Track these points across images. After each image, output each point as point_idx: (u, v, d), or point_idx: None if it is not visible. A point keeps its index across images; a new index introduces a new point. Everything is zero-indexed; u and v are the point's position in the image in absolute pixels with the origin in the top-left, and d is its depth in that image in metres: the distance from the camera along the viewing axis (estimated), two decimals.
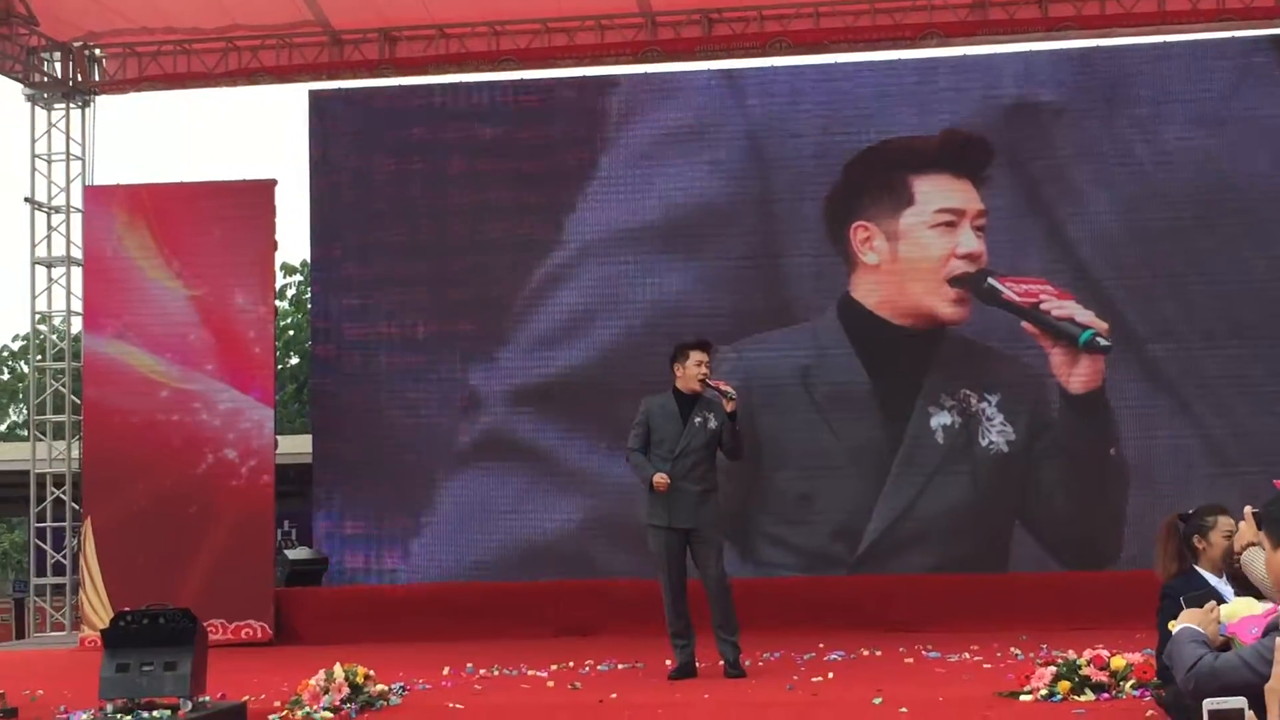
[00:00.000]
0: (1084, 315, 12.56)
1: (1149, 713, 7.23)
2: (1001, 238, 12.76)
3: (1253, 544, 5.17)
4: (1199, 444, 12.49)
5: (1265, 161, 12.64)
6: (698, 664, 9.61)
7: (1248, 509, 5.18)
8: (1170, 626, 4.66)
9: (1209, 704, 3.18)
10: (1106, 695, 7.97)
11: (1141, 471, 12.57)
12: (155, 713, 7.79)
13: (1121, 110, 12.79)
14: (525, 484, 13.26)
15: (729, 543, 12.30)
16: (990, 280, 12.58)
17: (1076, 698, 7.95)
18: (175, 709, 7.86)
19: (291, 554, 13.81)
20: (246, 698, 8.58)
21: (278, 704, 8.54)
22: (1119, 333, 12.64)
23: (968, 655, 10.20)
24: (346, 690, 8.51)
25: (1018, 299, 12.55)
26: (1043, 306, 12.57)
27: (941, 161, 12.87)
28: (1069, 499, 12.50)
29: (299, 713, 8.34)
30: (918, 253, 12.80)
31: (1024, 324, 12.64)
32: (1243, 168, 12.64)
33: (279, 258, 13.56)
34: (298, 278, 24.79)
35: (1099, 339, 12.48)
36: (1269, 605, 4.63)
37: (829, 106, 13.06)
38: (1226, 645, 4.84)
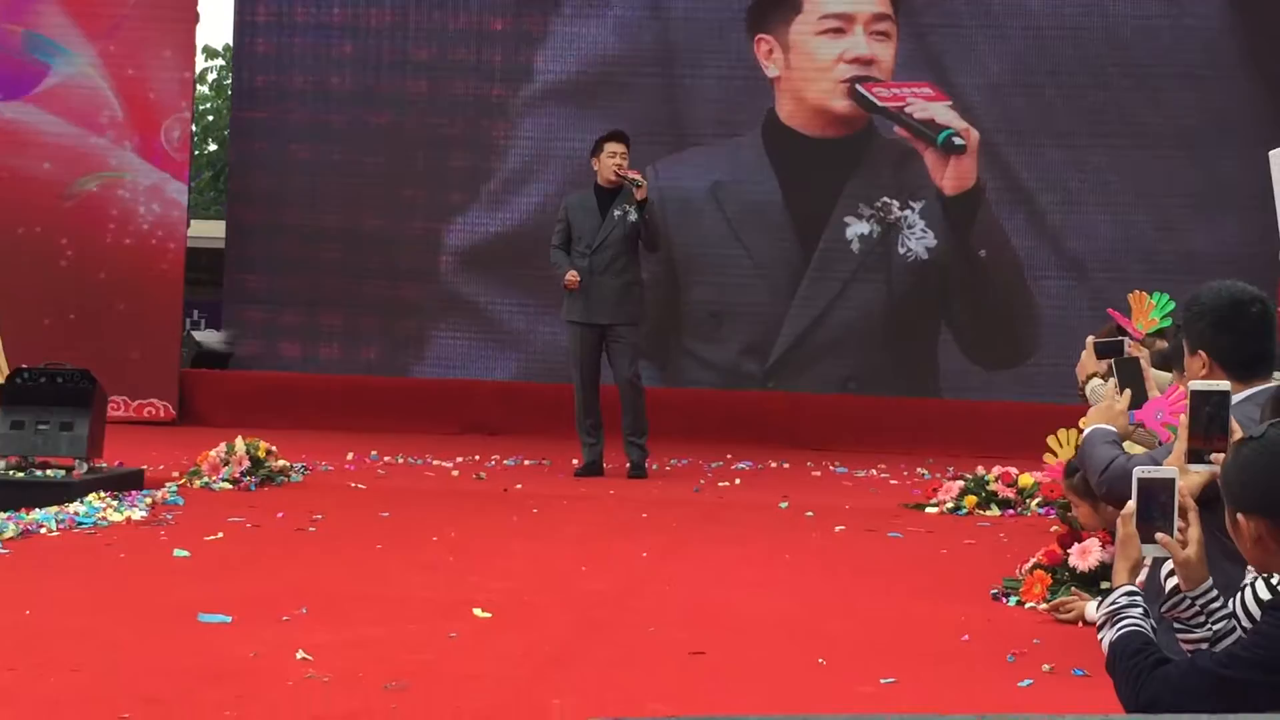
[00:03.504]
0: (945, 116, 12.43)
1: (1053, 528, 7.22)
2: (921, 35, 12.55)
3: (1095, 375, 5.08)
4: (1082, 291, 12.34)
5: (1156, 14, 12.43)
6: (605, 465, 9.54)
7: (1090, 338, 5.08)
8: (1080, 424, 4.58)
9: (1138, 471, 3.08)
10: (1012, 511, 7.99)
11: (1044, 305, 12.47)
12: (49, 472, 7.62)
13: None
14: (452, 330, 12.94)
15: (645, 359, 12.23)
16: (858, 87, 12.46)
17: (982, 512, 7.97)
18: (70, 470, 7.69)
19: (200, 336, 13.56)
20: (145, 466, 8.42)
21: (176, 474, 8.40)
22: (1010, 187, 12.47)
23: (874, 472, 10.21)
24: (247, 463, 8.38)
25: (882, 103, 12.44)
26: (907, 110, 12.45)
27: None
28: (981, 303, 12.44)
29: (197, 482, 8.21)
30: (807, 61, 12.63)
31: (896, 128, 12.52)
32: (1135, 23, 12.43)
33: (201, 38, 13.05)
34: (219, 62, 24.06)
35: (955, 138, 12.37)
36: (1171, 390, 4.55)
37: None
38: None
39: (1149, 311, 5.24)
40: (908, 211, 12.44)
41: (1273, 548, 2.82)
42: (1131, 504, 3.10)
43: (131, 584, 5.40)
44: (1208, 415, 3.41)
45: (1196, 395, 3.43)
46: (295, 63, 13.19)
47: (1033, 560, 5.55)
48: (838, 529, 7.34)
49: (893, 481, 9.72)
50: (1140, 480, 3.09)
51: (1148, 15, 12.44)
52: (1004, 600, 5.49)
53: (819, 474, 10.15)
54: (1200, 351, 4.03)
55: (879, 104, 12.43)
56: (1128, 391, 4.41)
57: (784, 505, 8.19)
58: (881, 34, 12.51)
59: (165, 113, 12.40)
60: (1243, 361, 3.92)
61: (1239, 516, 2.85)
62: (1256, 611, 3.01)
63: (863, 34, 12.50)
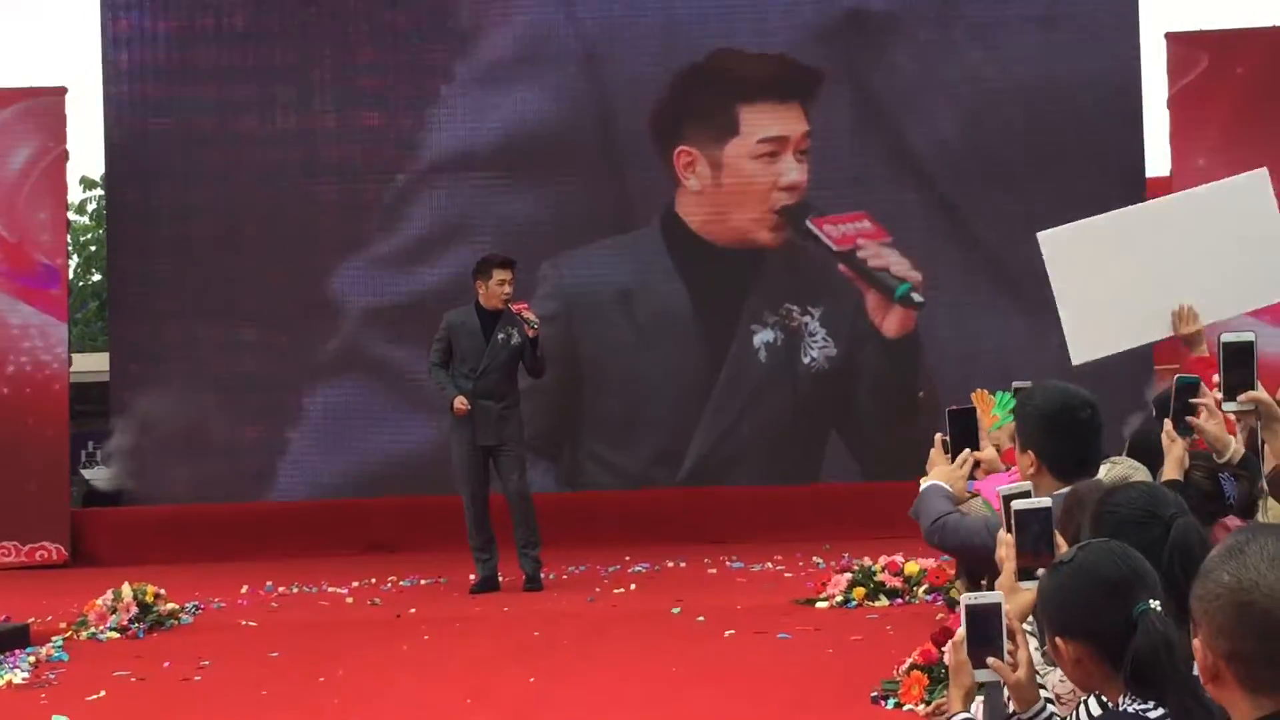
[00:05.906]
0: (900, 266, 12.33)
1: (939, 615, 7.30)
2: (836, 154, 12.48)
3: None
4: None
5: (1102, 62, 12.40)
6: (501, 578, 9.52)
7: (938, 436, 4.62)
8: (920, 481, 4.62)
9: (965, 599, 3.18)
10: (900, 600, 8.07)
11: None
12: None
13: (955, 17, 12.49)
14: (364, 405, 12.77)
15: (551, 463, 12.19)
16: (808, 223, 12.28)
17: (871, 603, 8.04)
18: None
19: (89, 474, 13.41)
20: (32, 620, 8.31)
21: (63, 625, 8.30)
22: (966, 240, 12.37)
23: (770, 565, 10.24)
24: (135, 610, 8.31)
25: (834, 244, 12.29)
26: (859, 254, 12.38)
27: (769, 88, 12.52)
28: (881, 421, 12.36)
29: (84, 634, 8.12)
30: (740, 183, 12.49)
31: (840, 266, 12.34)
32: (1079, 70, 12.38)
33: (77, 170, 13.00)
34: (98, 192, 23.97)
35: (914, 294, 12.22)
36: (1013, 471, 4.65)
37: (666, 13, 12.63)
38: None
39: (990, 408, 5.36)
40: (808, 319, 12.36)
41: (1091, 669, 2.90)
42: (961, 631, 3.17)
43: None
44: (1035, 533, 3.48)
45: (1023, 514, 3.50)
46: (167, 174, 13.03)
47: (909, 660, 5.61)
48: (728, 634, 7.37)
49: (787, 574, 9.76)
50: (969, 607, 3.16)
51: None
52: (883, 703, 5.54)
53: (714, 570, 10.18)
54: (1029, 451, 4.14)
55: (832, 245, 12.19)
56: (971, 461, 4.51)
57: (676, 611, 8.22)
58: (803, 153, 12.40)
59: (40, 252, 12.33)
60: (1069, 465, 4.03)
61: (1057, 640, 2.93)
62: None
63: (792, 157, 12.38)
